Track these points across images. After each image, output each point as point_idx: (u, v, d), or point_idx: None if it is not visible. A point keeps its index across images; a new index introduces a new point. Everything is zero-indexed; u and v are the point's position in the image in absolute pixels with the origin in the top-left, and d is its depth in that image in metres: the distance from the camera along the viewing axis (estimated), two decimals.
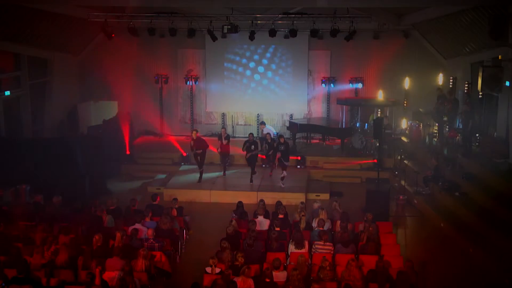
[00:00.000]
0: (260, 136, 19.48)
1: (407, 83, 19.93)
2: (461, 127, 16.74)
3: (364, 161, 18.33)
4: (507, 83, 14.47)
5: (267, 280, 9.17)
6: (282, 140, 16.15)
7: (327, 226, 11.83)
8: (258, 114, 21.51)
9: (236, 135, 21.07)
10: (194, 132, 16.72)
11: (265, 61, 21.22)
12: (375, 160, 17.39)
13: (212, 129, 21.50)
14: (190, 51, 21.41)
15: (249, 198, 14.93)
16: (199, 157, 16.64)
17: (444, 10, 15.89)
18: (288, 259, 10.64)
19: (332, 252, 10.70)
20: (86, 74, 21.60)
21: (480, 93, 16.69)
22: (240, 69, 21.37)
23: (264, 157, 17.59)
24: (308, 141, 20.55)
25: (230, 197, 15.30)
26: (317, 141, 20.81)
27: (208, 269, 9.82)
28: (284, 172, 16.20)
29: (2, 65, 17.93)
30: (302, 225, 11.86)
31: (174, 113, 21.86)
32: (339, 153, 19.10)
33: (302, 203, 12.85)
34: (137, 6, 16.44)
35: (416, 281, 9.57)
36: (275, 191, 15.74)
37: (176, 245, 11.74)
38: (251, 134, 16.98)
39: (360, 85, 20.74)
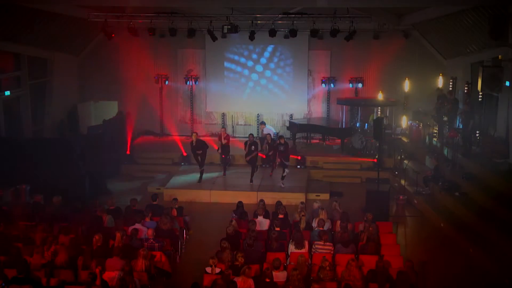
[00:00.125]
0: (260, 136, 19.49)
1: (407, 83, 19.94)
2: (461, 127, 16.74)
3: (364, 158, 18.34)
4: (507, 83, 14.47)
5: (267, 280, 9.17)
6: (282, 141, 16.18)
7: (327, 226, 11.82)
8: (258, 114, 21.51)
9: (236, 135, 21.09)
10: (195, 134, 16.76)
11: (265, 61, 21.23)
12: (375, 160, 17.40)
13: (212, 129, 21.52)
14: (190, 51, 21.42)
15: (249, 198, 14.93)
16: (199, 157, 16.66)
17: (444, 10, 15.90)
18: (288, 259, 10.64)
19: (332, 252, 10.69)
20: (86, 74, 21.62)
21: (480, 93, 16.68)
22: (240, 69, 21.38)
23: (264, 156, 17.59)
24: (308, 141, 20.55)
25: (230, 197, 15.29)
26: (317, 141, 20.82)
27: (208, 269, 9.81)
28: (286, 170, 16.24)
29: (2, 65, 17.93)
30: (302, 225, 11.85)
31: (174, 113, 21.87)
32: (339, 153, 19.10)
33: (302, 203, 12.85)
34: (137, 6, 16.43)
35: (416, 281, 9.57)
36: (275, 191, 15.74)
37: (176, 245, 11.73)
38: (251, 135, 16.97)
39: (360, 85, 20.76)
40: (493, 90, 14.88)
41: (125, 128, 19.47)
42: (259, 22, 17.42)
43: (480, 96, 17.08)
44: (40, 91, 19.62)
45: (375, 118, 18.56)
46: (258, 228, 11.56)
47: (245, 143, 16.70)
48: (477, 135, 16.57)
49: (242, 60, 21.30)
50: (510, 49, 14.09)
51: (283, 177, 16.19)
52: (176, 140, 20.43)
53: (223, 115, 21.70)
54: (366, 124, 19.98)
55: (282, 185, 16.17)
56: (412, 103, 20.05)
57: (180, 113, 21.94)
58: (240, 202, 13.12)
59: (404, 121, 19.78)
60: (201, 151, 16.59)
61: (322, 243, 10.77)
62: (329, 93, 21.11)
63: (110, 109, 20.62)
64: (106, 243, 10.66)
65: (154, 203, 13.20)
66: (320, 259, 9.88)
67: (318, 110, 21.46)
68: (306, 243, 10.82)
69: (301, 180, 16.96)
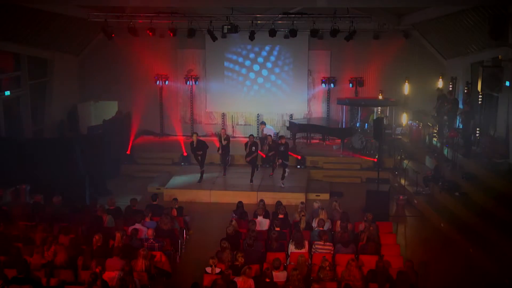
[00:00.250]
0: (260, 136, 19.49)
1: (407, 83, 19.92)
2: (461, 127, 16.75)
3: (365, 157, 18.34)
4: (507, 83, 14.47)
5: (267, 280, 9.17)
6: (283, 141, 16.19)
7: (327, 226, 11.82)
8: (258, 114, 21.51)
9: (236, 135, 21.09)
10: (195, 135, 16.77)
11: (265, 61, 21.22)
12: (375, 159, 17.40)
13: (212, 129, 21.51)
14: (190, 51, 21.42)
15: (249, 198, 14.94)
16: (199, 157, 16.66)
17: (444, 10, 15.89)
18: (288, 259, 10.64)
19: (332, 252, 10.69)
20: (86, 74, 21.63)
21: (480, 93, 16.68)
22: (240, 68, 21.38)
23: (264, 155, 17.59)
24: (308, 141, 20.56)
25: (230, 197, 15.29)
26: (317, 141, 20.82)
27: (208, 269, 9.81)
28: (287, 170, 16.25)
29: (2, 65, 17.94)
30: (302, 225, 11.85)
31: (174, 113, 21.87)
32: (339, 152, 19.11)
33: (302, 203, 12.86)
34: (137, 6, 16.43)
35: (416, 281, 9.57)
36: (275, 191, 15.75)
37: (176, 245, 11.73)
38: (252, 135, 16.97)
39: (360, 85, 20.74)
40: (493, 90, 14.88)
41: (125, 128, 19.47)
42: (259, 22, 17.42)
43: (480, 96, 17.08)
44: (40, 91, 19.62)
45: (375, 118, 18.57)
46: (258, 228, 11.57)
47: (246, 144, 16.72)
48: (477, 135, 16.56)
49: (242, 60, 21.29)
50: (510, 49, 14.09)
51: (283, 177, 16.19)
52: (179, 140, 20.44)
53: (223, 115, 21.70)
54: (366, 124, 19.98)
55: (282, 185, 16.17)
56: (412, 103, 20.05)
57: (180, 113, 21.94)
58: (240, 202, 13.13)
59: (404, 119, 19.76)
60: (201, 152, 16.60)
61: (322, 243, 10.76)
62: (329, 93, 21.11)
63: (110, 109, 20.62)
64: (106, 243, 10.65)
65: (154, 203, 13.21)
66: (320, 259, 9.88)
67: (318, 110, 21.47)
68: (306, 243, 10.82)
69: (301, 180, 16.96)
